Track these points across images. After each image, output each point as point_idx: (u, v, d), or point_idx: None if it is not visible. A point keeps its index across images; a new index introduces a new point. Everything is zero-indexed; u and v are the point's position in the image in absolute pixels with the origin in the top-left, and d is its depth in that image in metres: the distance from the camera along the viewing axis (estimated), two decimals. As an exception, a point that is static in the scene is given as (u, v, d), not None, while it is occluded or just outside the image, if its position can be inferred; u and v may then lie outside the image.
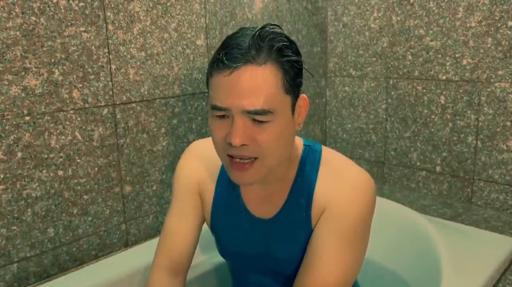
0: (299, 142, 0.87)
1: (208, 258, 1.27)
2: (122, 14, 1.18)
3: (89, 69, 1.13)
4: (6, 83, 0.99)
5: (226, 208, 0.91)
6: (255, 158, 0.74)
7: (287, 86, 0.73)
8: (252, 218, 0.88)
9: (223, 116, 0.73)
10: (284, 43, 0.73)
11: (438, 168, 1.68)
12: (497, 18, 1.45)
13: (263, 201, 0.87)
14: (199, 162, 0.93)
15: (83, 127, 1.14)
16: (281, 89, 0.72)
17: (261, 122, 0.71)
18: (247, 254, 0.90)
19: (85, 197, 1.17)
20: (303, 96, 0.78)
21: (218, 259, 1.13)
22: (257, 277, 0.92)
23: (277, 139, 0.73)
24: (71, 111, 1.11)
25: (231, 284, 1.03)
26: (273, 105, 0.71)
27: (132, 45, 1.21)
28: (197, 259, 1.21)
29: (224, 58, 0.70)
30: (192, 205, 0.92)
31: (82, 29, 1.10)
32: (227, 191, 0.90)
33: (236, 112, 0.70)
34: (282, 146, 0.76)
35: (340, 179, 0.81)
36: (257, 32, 0.71)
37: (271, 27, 0.74)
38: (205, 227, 0.96)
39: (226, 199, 0.90)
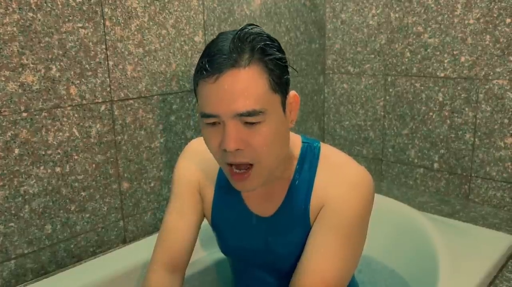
0: (297, 139, 0.87)
1: (208, 254, 1.27)
2: (119, 10, 1.17)
3: (87, 66, 1.13)
4: (3, 79, 0.99)
5: (227, 205, 0.91)
6: (252, 165, 0.74)
7: (274, 85, 0.72)
8: (252, 215, 0.89)
9: (214, 123, 0.73)
10: (266, 42, 0.72)
11: (435, 165, 1.68)
12: (495, 15, 1.45)
13: (262, 198, 0.87)
14: (199, 160, 0.93)
15: (81, 124, 1.13)
16: (269, 88, 0.71)
17: (253, 123, 0.71)
18: (247, 250, 0.91)
19: (83, 193, 1.17)
20: (292, 93, 0.78)
21: (218, 255, 1.13)
22: (256, 273, 0.93)
23: (272, 140, 0.73)
24: (69, 108, 1.11)
25: (231, 280, 1.03)
26: (263, 105, 0.70)
27: (130, 42, 1.21)
28: (197, 255, 1.21)
29: (207, 65, 0.70)
30: (192, 202, 0.92)
31: (79, 25, 1.10)
32: (227, 188, 0.90)
33: (226, 117, 0.70)
34: (277, 147, 0.76)
35: (338, 176, 0.82)
36: (237, 35, 0.71)
37: (250, 27, 0.73)
38: (205, 223, 0.96)
39: (226, 197, 0.90)
